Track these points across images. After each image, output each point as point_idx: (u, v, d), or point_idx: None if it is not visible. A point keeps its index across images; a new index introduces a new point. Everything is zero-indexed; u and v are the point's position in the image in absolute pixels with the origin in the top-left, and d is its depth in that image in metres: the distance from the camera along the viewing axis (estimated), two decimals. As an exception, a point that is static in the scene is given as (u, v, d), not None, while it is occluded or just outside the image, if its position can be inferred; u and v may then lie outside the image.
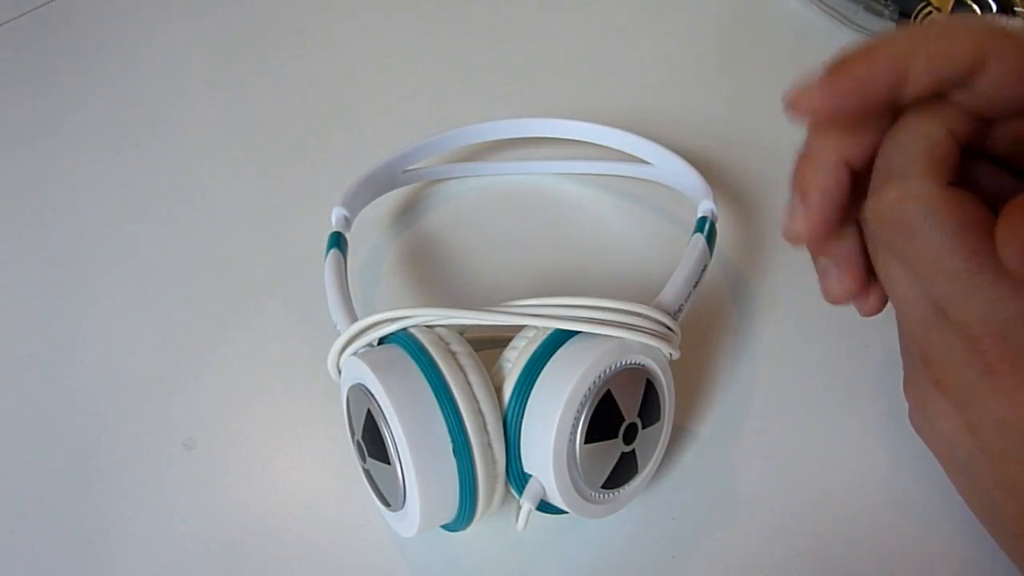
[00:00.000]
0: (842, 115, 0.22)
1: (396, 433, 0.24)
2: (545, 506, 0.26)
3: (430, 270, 0.39)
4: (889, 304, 0.25)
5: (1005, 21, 0.21)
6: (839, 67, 0.22)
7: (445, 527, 0.27)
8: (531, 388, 0.25)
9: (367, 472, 0.27)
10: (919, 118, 0.22)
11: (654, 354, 0.26)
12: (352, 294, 0.30)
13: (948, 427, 0.23)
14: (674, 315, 0.28)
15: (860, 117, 0.23)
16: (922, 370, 0.23)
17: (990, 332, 0.21)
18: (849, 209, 0.24)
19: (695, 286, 0.29)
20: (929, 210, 0.21)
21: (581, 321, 0.25)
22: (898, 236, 0.21)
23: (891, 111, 0.23)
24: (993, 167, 0.23)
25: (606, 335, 0.25)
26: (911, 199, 0.21)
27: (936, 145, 0.22)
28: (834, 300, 0.25)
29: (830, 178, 0.23)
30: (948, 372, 0.22)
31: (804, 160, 0.24)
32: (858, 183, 0.24)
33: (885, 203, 0.22)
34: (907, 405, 0.25)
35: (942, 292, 0.21)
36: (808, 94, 0.22)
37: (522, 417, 0.25)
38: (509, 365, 0.26)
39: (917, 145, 0.22)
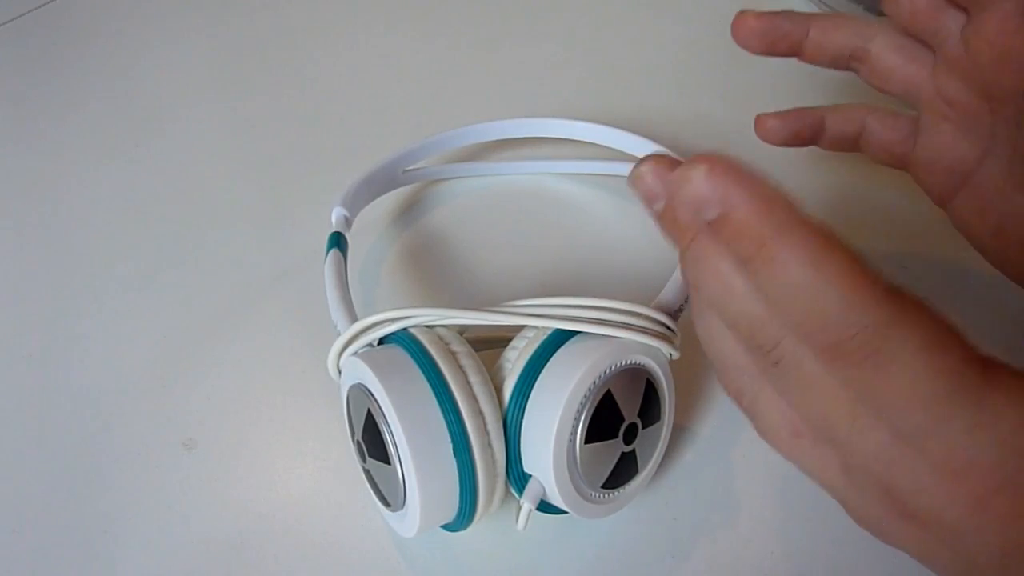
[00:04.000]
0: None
1: (396, 433, 0.24)
2: (545, 506, 0.26)
3: (430, 270, 0.39)
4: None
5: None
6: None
7: (445, 527, 0.27)
8: (531, 388, 0.25)
9: (367, 472, 0.27)
10: (808, 233, 0.20)
11: (654, 354, 0.26)
12: (352, 294, 0.30)
13: (927, 552, 0.21)
14: (674, 315, 0.28)
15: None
16: (883, 504, 0.21)
17: (976, 466, 0.18)
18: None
19: (695, 286, 0.29)
20: (896, 334, 0.18)
21: (581, 321, 0.25)
22: (865, 374, 0.19)
23: None
24: None
25: (606, 335, 0.25)
26: (873, 328, 0.18)
27: (849, 258, 0.19)
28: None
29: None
30: (921, 511, 0.20)
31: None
32: None
33: (847, 344, 0.18)
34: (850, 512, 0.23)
35: (916, 426, 0.19)
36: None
37: (522, 417, 0.25)
38: (509, 365, 0.26)
39: (836, 270, 0.19)
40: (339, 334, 0.27)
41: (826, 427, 0.20)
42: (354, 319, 0.28)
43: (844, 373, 0.19)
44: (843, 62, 0.32)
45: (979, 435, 0.18)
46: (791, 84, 0.45)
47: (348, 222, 0.35)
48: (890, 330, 0.18)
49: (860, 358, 0.18)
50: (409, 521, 0.25)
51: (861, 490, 0.21)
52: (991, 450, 0.18)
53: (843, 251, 0.18)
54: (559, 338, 0.26)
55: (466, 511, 0.25)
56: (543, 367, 0.25)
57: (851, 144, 0.34)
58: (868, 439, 0.19)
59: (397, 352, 0.26)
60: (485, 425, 0.25)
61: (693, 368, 0.33)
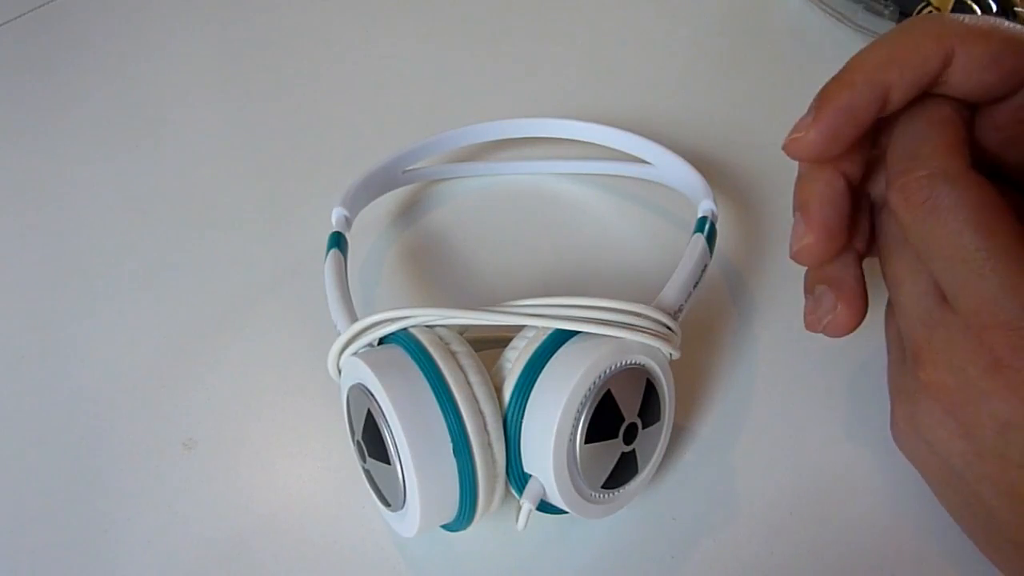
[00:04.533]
0: (838, 148, 0.24)
1: (396, 433, 0.24)
2: (545, 506, 0.26)
3: (430, 270, 0.39)
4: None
5: (968, 16, 0.23)
6: (822, 104, 0.23)
7: (445, 527, 0.27)
8: (531, 388, 0.25)
9: (367, 472, 0.27)
10: (933, 107, 0.23)
11: (654, 354, 0.26)
12: (352, 294, 0.30)
13: (941, 435, 0.22)
14: (674, 315, 0.28)
15: (855, 144, 0.24)
16: (913, 375, 0.23)
17: (1000, 323, 0.20)
18: (849, 234, 0.25)
19: (695, 286, 0.29)
20: (954, 188, 0.21)
21: (581, 321, 0.25)
22: (920, 216, 0.22)
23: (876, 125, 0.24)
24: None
25: (606, 335, 0.25)
26: (938, 176, 0.22)
27: (954, 130, 0.23)
28: (820, 327, 0.26)
29: (828, 188, 0.24)
30: (946, 371, 0.22)
31: (801, 179, 0.25)
32: (856, 202, 0.25)
33: (913, 182, 0.22)
34: (890, 422, 0.25)
35: (955, 276, 0.21)
36: (802, 137, 0.24)
37: (522, 417, 0.25)
38: (509, 365, 0.26)
39: (937, 131, 0.23)
40: (339, 334, 0.27)
41: (893, 284, 0.24)
42: (354, 319, 0.28)
43: (906, 217, 0.22)
44: None
45: (1009, 295, 0.20)
46: (795, 84, 0.45)
47: (348, 222, 0.35)
48: (954, 182, 0.21)
49: (920, 200, 0.21)
50: (409, 521, 0.25)
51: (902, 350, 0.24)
52: (1017, 312, 0.20)
53: (961, 125, 0.23)
54: (559, 338, 0.26)
55: (466, 511, 0.25)
56: (543, 367, 0.25)
57: None
58: (917, 302, 0.23)
59: (397, 352, 0.26)
60: (485, 425, 0.25)
61: (693, 368, 0.33)
